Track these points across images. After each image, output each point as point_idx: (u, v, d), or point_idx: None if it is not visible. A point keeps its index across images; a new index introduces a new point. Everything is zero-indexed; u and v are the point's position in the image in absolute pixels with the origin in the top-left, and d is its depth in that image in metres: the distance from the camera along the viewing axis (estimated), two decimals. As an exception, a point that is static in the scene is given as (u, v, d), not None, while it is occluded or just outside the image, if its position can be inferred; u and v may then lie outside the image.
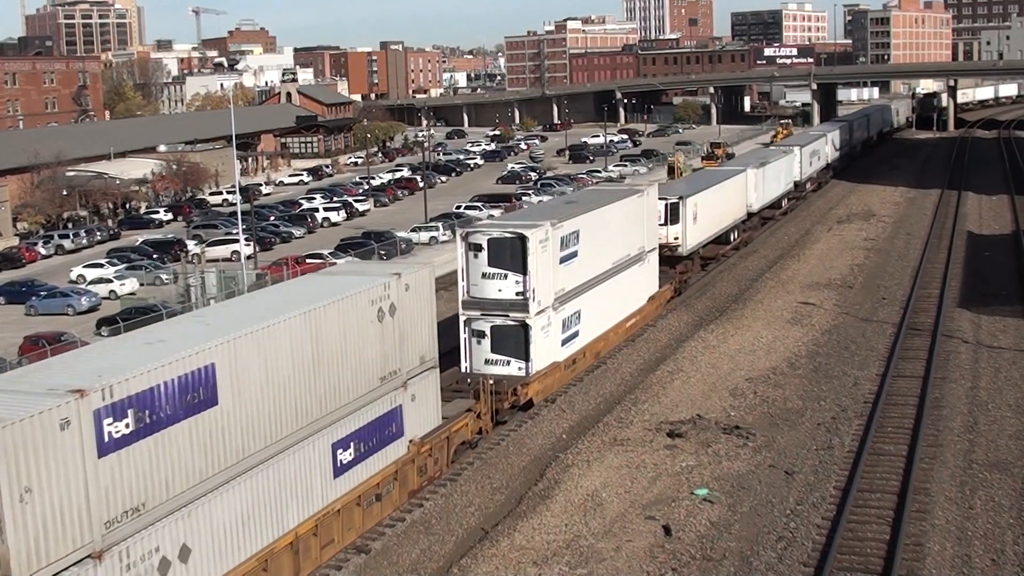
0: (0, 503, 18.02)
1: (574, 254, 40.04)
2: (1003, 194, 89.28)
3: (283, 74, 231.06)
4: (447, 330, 37.87)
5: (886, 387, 38.18)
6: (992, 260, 61.91)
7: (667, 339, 47.59)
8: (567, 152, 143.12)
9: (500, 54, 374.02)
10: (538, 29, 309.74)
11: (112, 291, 63.04)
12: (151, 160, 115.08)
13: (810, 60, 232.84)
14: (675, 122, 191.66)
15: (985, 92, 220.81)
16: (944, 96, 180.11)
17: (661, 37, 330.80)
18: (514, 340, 36.85)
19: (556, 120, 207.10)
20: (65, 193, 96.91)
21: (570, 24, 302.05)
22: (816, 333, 46.88)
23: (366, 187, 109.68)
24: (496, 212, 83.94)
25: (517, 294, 36.67)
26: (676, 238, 54.29)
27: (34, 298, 61.24)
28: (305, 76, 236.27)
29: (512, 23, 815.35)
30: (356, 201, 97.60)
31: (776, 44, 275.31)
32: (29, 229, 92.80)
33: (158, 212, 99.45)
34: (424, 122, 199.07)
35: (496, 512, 30.12)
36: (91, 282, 64.98)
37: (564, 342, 39.51)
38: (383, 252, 70.68)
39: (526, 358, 36.92)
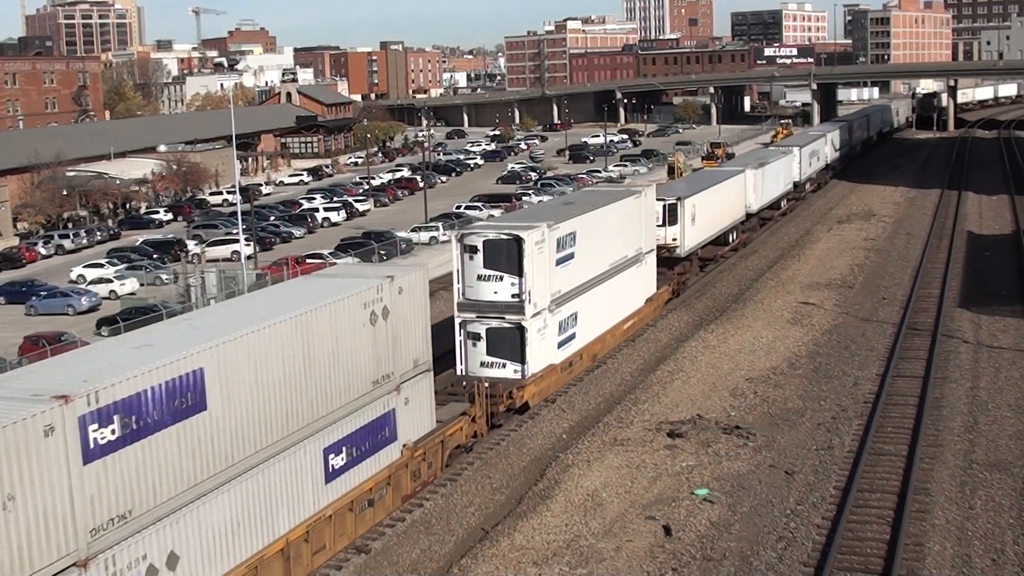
0: None
1: (571, 256, 39.78)
2: (1003, 194, 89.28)
3: (283, 74, 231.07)
4: (444, 332, 37.89)
5: (886, 387, 38.19)
6: (992, 260, 61.92)
7: (667, 339, 47.59)
8: (567, 152, 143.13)
9: (500, 54, 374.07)
10: (538, 29, 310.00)
11: (112, 291, 63.04)
12: (151, 160, 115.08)
13: (810, 60, 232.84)
14: (675, 122, 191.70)
15: (984, 92, 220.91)
16: (944, 96, 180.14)
17: (661, 37, 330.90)
18: (510, 343, 36.63)
19: (556, 120, 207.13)
20: (65, 193, 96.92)
21: (570, 24, 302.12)
22: (816, 333, 46.88)
23: (366, 187, 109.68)
24: (496, 212, 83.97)
25: (513, 296, 36.42)
26: (674, 239, 54.06)
27: (34, 298, 61.24)
28: (305, 76, 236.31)
29: (512, 23, 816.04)
30: (356, 201, 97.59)
31: (776, 44, 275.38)
32: (29, 229, 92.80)
33: (158, 212, 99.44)
34: (424, 122, 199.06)
35: (496, 512, 30.12)
36: (91, 282, 64.98)
37: (561, 344, 39.27)
38: (383, 252, 70.70)
39: (522, 361, 36.71)
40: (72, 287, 64.14)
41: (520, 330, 36.48)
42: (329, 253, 67.93)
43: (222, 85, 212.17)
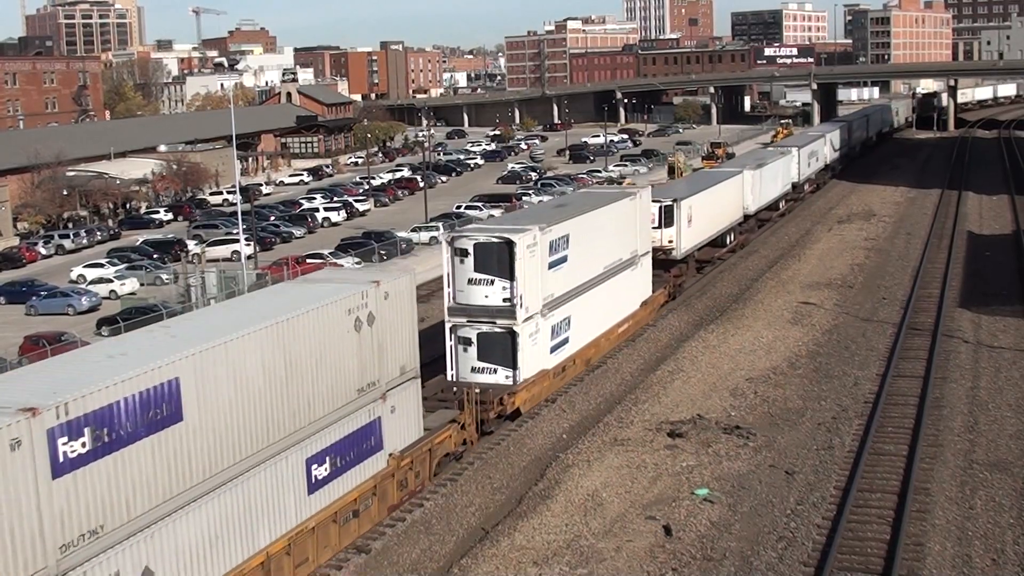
0: None
1: (564, 259, 39.21)
2: (1003, 194, 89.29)
3: (283, 74, 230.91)
4: (435, 337, 37.77)
5: (886, 387, 38.19)
6: (992, 260, 61.93)
7: (667, 339, 47.58)
8: (567, 152, 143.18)
9: (500, 54, 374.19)
10: (538, 29, 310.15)
11: (112, 291, 63.07)
12: (151, 160, 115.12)
13: (810, 60, 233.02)
14: (675, 122, 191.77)
15: (984, 92, 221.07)
16: (944, 96, 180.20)
17: (661, 37, 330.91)
18: (501, 348, 36.05)
19: (556, 120, 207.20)
20: (65, 193, 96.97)
21: (570, 24, 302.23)
22: (816, 333, 46.88)
23: (366, 187, 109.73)
24: (496, 212, 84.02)
25: (504, 300, 35.80)
26: (670, 241, 53.63)
27: (34, 298, 61.28)
28: (305, 76, 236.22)
29: (512, 23, 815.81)
30: (356, 201, 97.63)
31: (776, 44, 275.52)
32: (29, 229, 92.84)
33: (158, 212, 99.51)
34: (424, 122, 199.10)
35: (496, 512, 30.11)
36: (91, 282, 65.01)
37: (553, 349, 38.73)
38: (383, 252, 70.74)
39: (513, 366, 36.12)
40: (72, 287, 64.18)
41: (512, 335, 35.90)
42: (329, 253, 67.95)
43: (222, 85, 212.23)
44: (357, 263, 65.72)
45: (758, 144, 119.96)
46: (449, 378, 36.44)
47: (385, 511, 28.94)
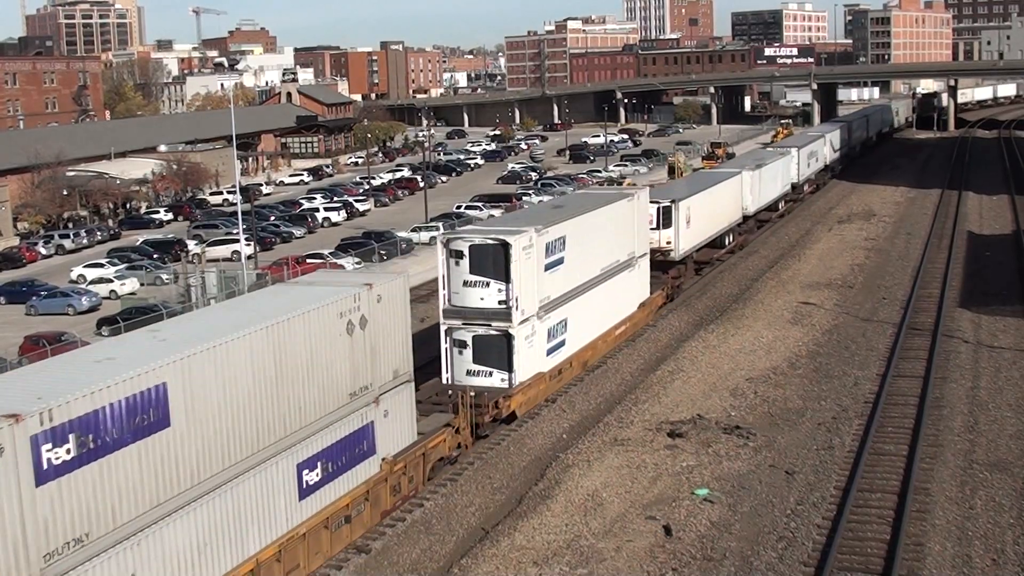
0: None
1: (560, 261, 38.94)
2: (1003, 194, 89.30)
3: (283, 74, 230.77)
4: (435, 337, 37.68)
5: (886, 387, 38.20)
6: (992, 260, 61.93)
7: (667, 339, 47.58)
8: (567, 152, 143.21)
9: (500, 54, 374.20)
10: (538, 29, 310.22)
11: (112, 291, 63.08)
12: (151, 160, 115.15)
13: (810, 60, 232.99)
14: (675, 122, 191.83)
15: (984, 92, 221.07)
16: (944, 96, 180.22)
17: (661, 37, 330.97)
18: (497, 350, 35.74)
19: (556, 120, 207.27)
20: (65, 193, 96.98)
21: (570, 24, 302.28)
22: (816, 333, 46.88)
23: (366, 187, 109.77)
24: (497, 212, 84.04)
25: (500, 303, 35.50)
26: (668, 242, 53.35)
27: (34, 298, 61.29)
28: (305, 76, 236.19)
29: (512, 23, 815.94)
30: (356, 201, 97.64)
31: (776, 44, 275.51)
32: (29, 229, 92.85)
33: (158, 212, 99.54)
34: (424, 122, 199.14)
35: (496, 512, 30.11)
36: (91, 282, 65.02)
37: (550, 352, 38.47)
38: (383, 252, 70.74)
39: (509, 369, 35.81)
40: (72, 287, 64.19)
41: (507, 337, 35.60)
42: (329, 253, 67.94)
43: (222, 85, 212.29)
44: (357, 263, 65.76)
45: (758, 144, 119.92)
46: (444, 381, 36.12)
47: (378, 516, 28.69)
